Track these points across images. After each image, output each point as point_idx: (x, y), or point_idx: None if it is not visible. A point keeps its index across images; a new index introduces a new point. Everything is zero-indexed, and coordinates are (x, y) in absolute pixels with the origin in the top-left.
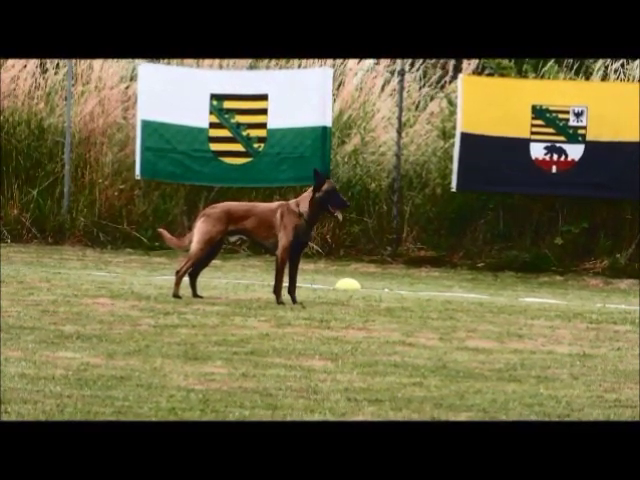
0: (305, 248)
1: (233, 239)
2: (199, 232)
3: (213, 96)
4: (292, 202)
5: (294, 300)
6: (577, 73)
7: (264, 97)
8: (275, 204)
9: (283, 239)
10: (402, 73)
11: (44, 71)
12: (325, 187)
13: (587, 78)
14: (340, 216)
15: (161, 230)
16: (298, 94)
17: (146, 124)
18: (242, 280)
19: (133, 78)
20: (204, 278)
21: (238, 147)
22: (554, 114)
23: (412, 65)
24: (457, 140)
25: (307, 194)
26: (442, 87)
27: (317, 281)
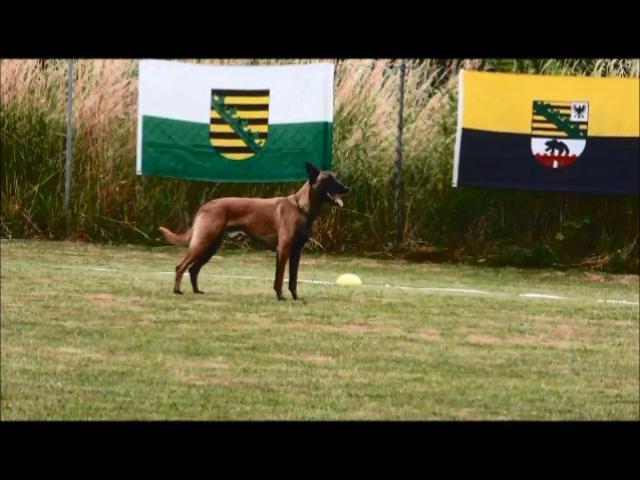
0: (305, 243)
1: (233, 235)
2: (198, 227)
3: (214, 92)
4: (291, 197)
5: (295, 296)
6: (578, 69)
7: (265, 93)
8: (274, 200)
9: (284, 235)
10: (403, 69)
11: (44, 67)
12: (320, 176)
13: (588, 74)
14: (341, 202)
15: (162, 228)
16: (299, 90)
17: (147, 120)
18: (243, 276)
19: (134, 73)
20: (205, 274)
21: (239, 143)
22: (555, 109)
23: (413, 61)
24: (458, 136)
25: (305, 187)
26: (443, 83)
27: (318, 277)
